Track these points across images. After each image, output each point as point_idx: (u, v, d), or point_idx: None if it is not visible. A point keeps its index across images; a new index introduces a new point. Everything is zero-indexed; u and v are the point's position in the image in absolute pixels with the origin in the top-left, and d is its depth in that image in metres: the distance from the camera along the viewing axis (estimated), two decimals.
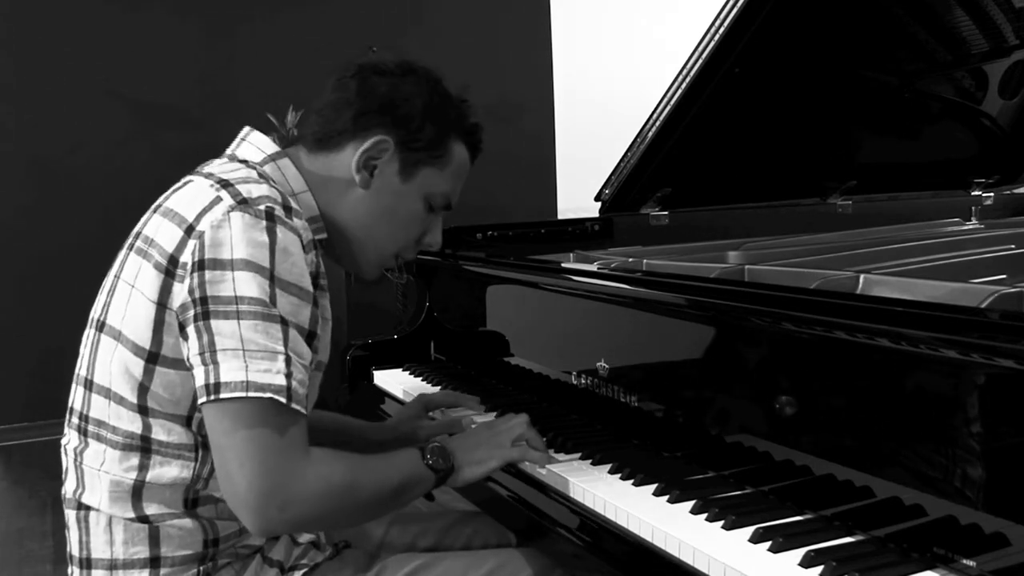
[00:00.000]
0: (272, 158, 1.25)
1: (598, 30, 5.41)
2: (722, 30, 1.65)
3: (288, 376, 1.06)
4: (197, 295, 1.07)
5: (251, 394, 1.04)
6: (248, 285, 1.06)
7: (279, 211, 1.11)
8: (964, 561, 0.92)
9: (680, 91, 1.72)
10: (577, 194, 4.83)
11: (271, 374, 1.05)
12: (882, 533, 1.00)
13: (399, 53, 1.33)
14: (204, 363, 1.06)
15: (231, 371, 1.04)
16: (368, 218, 1.27)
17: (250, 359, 1.05)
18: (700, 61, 1.68)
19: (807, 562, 0.96)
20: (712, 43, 1.66)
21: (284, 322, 1.08)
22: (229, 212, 1.09)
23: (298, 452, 1.08)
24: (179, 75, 4.29)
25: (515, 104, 5.04)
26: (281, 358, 1.06)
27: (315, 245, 1.19)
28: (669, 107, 1.74)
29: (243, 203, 1.10)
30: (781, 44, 1.78)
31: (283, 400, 1.05)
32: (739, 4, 1.63)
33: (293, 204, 1.17)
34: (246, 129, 1.29)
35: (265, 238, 1.08)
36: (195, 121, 4.21)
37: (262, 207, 1.10)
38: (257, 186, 1.15)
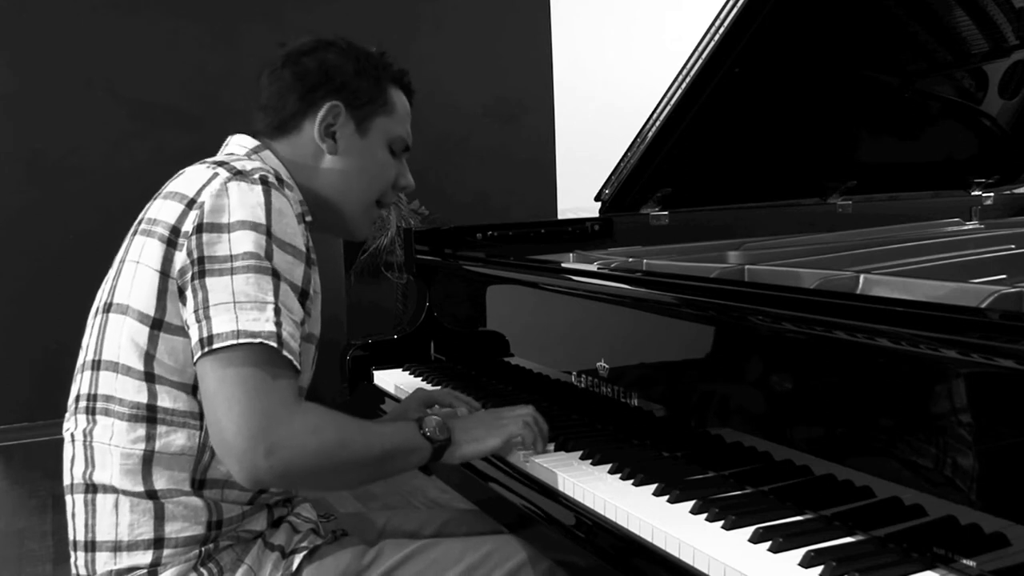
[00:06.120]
0: (255, 151, 1.32)
1: (598, 30, 5.41)
2: (722, 30, 1.65)
3: (278, 324, 1.09)
4: (195, 255, 1.12)
5: (242, 340, 1.07)
6: (243, 243, 1.11)
7: (272, 179, 1.18)
8: (964, 561, 0.92)
9: (680, 91, 1.72)
10: (577, 194, 4.83)
11: (260, 322, 1.08)
12: (882, 533, 1.00)
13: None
14: (198, 320, 1.09)
15: (222, 323, 1.08)
16: (344, 180, 1.36)
17: (240, 310, 1.08)
18: (700, 61, 1.68)
19: (807, 562, 0.96)
20: (712, 43, 1.66)
21: (276, 275, 1.12)
22: (227, 182, 1.16)
23: (288, 398, 1.10)
24: (179, 75, 4.29)
25: (515, 104, 5.04)
26: (270, 307, 1.10)
27: (303, 219, 1.25)
28: (669, 107, 1.74)
29: (239, 174, 1.17)
30: (781, 44, 1.78)
31: (274, 345, 1.08)
32: (739, 4, 1.63)
33: (285, 178, 1.26)
34: (229, 136, 1.37)
35: (261, 199, 1.15)
36: (195, 121, 4.21)
37: (257, 176, 1.17)
38: (251, 162, 1.24)
